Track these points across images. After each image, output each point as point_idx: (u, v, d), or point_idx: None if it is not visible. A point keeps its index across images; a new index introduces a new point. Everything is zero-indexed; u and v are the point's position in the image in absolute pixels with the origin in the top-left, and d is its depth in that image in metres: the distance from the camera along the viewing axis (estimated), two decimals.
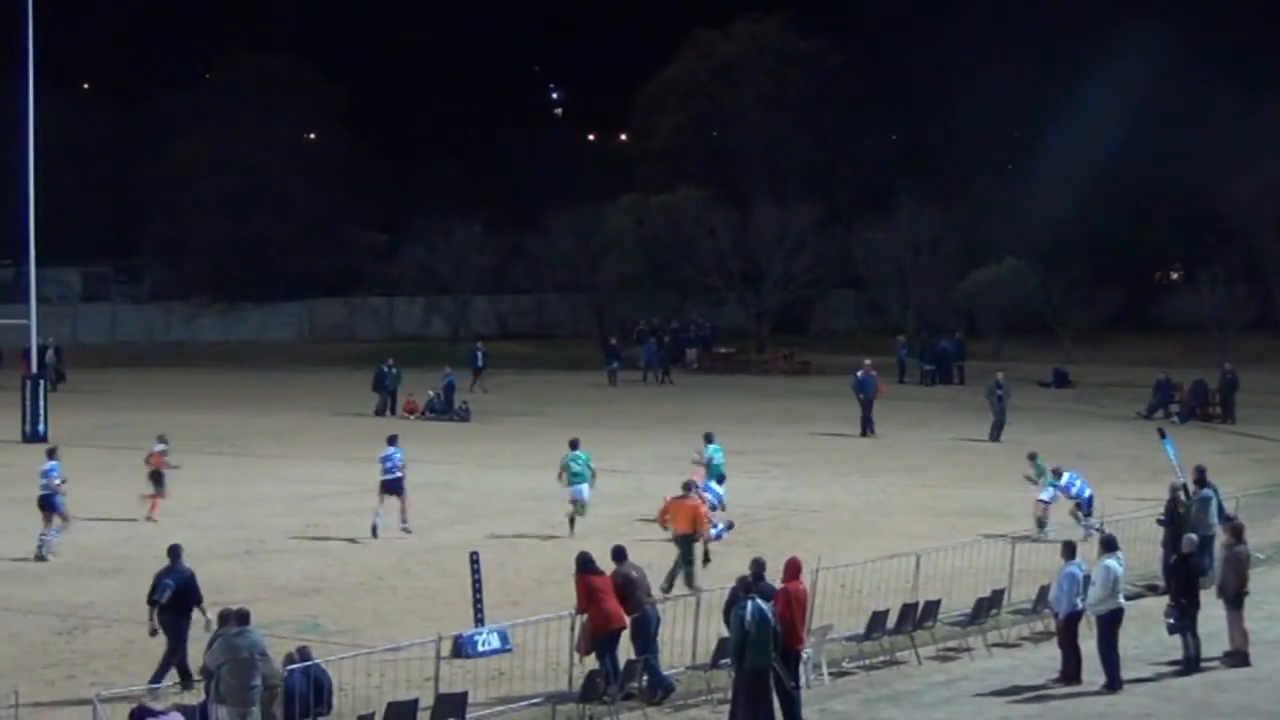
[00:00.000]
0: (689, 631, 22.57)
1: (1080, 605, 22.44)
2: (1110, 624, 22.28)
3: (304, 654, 19.66)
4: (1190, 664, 23.01)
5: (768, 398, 58.32)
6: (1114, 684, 22.10)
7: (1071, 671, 22.40)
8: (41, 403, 46.89)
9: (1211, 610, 23.73)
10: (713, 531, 29.11)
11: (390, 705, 18.99)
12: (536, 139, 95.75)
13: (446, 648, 21.96)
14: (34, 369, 48.65)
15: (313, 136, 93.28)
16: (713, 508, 30.31)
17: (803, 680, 21.35)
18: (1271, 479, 39.13)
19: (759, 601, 19.96)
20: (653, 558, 27.17)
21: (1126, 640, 22.84)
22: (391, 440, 33.06)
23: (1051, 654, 23.07)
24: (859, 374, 48.73)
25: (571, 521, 31.89)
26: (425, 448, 41.28)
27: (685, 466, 33.69)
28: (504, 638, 23.23)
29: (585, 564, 21.90)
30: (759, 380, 66.55)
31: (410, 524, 32.14)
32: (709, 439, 33.47)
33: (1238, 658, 23.28)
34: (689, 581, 26.70)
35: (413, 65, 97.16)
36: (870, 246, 78.14)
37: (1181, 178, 77.02)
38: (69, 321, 79.97)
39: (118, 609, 25.95)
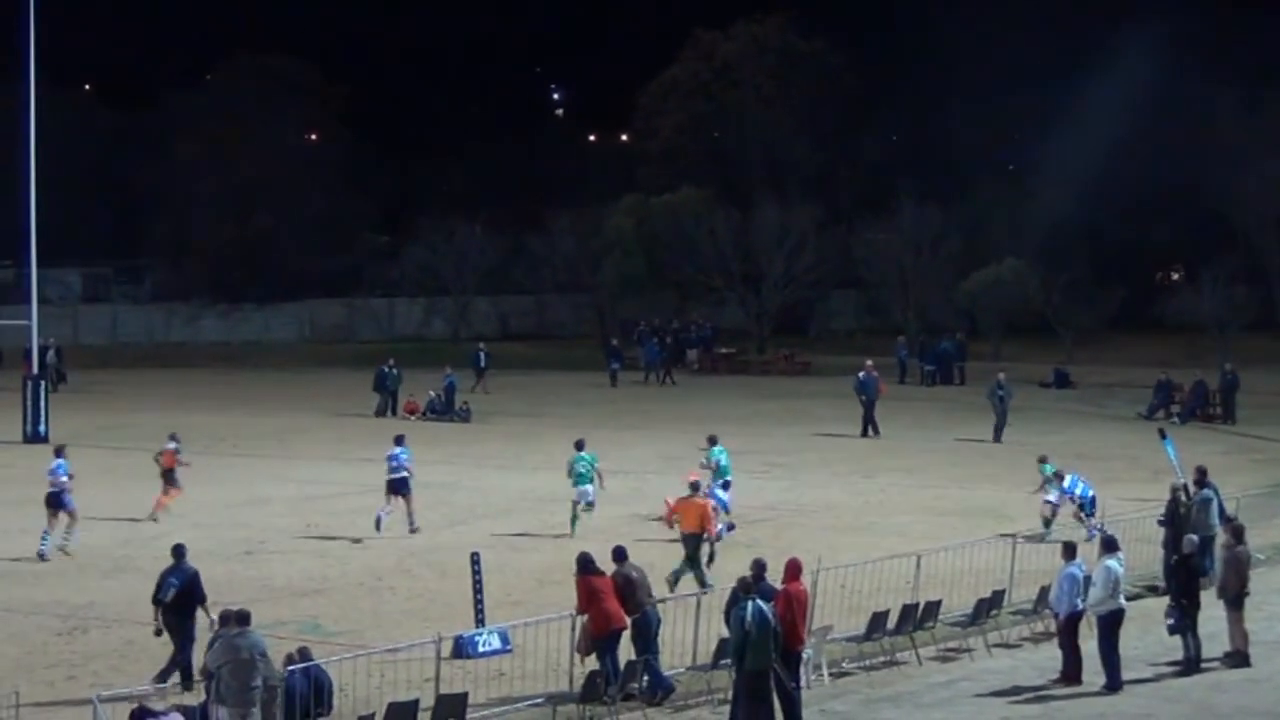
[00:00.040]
0: (689, 632, 22.57)
1: (1081, 606, 22.44)
2: (1111, 624, 22.29)
3: (304, 654, 19.66)
4: (1191, 665, 23.01)
5: (768, 398, 58.33)
6: (1114, 684, 22.10)
7: (1072, 672, 22.41)
8: (42, 403, 46.88)
9: (1212, 611, 23.73)
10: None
11: (391, 706, 18.99)
12: (537, 139, 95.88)
13: (447, 648, 21.96)
14: (35, 370, 48.63)
15: (314, 137, 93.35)
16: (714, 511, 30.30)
17: (803, 681, 21.35)
18: (1272, 480, 39.11)
19: (759, 602, 19.96)
20: (654, 558, 27.17)
21: (1127, 641, 22.84)
22: (398, 440, 33.10)
23: (1052, 654, 23.07)
24: (860, 375, 48.71)
25: (573, 522, 31.91)
26: (426, 448, 41.20)
27: (686, 467, 33.66)
28: (504, 638, 23.23)
29: (586, 565, 21.91)
30: (759, 381, 66.54)
31: (417, 524, 32.17)
32: (713, 441, 33.39)
33: (1238, 658, 23.28)
34: (700, 581, 26.69)
35: (413, 65, 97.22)
36: (871, 247, 78.12)
37: (1182, 178, 77.05)
38: (70, 322, 79.99)
39: (118, 609, 25.97)
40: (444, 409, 52.82)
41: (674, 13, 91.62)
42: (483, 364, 61.43)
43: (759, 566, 21.18)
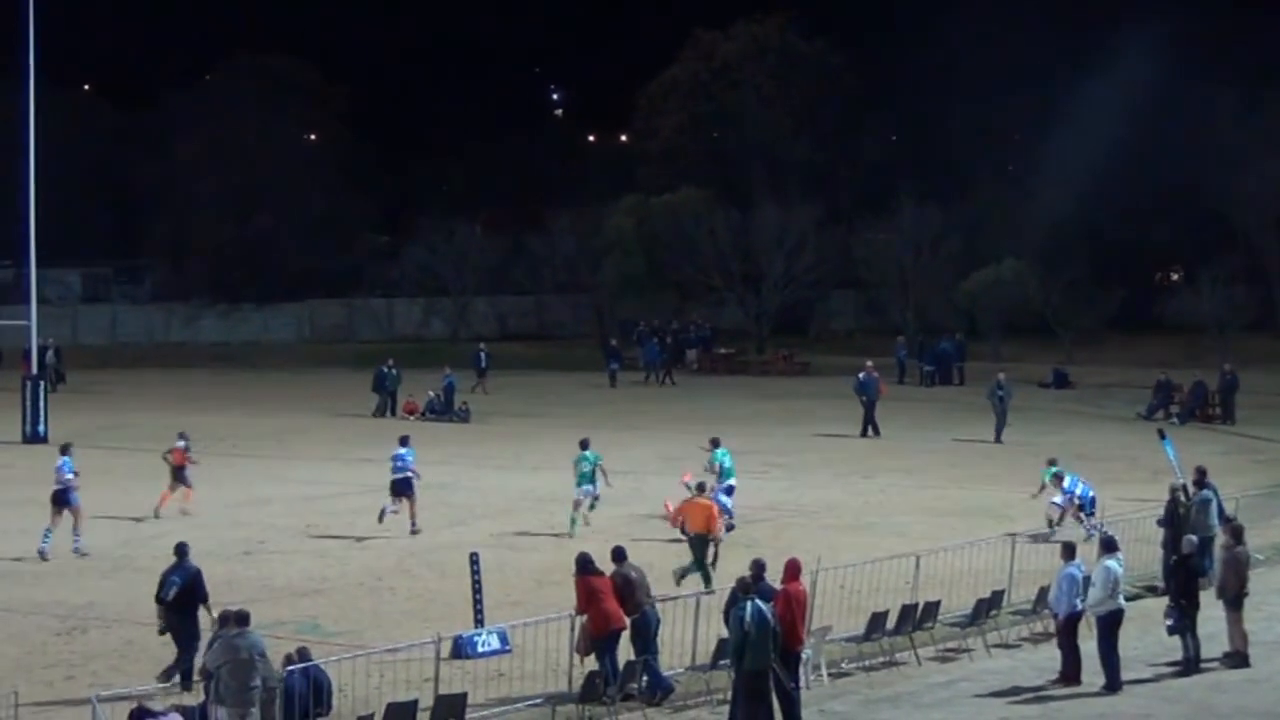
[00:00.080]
0: (689, 632, 22.58)
1: (1080, 606, 22.45)
2: (1110, 625, 22.29)
3: (303, 655, 19.66)
4: (1190, 665, 23.01)
5: (768, 398, 58.33)
6: (1113, 685, 22.10)
7: (1071, 672, 22.41)
8: (42, 404, 46.88)
9: (1211, 611, 23.73)
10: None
11: (390, 706, 18.99)
12: (537, 140, 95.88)
13: (446, 648, 21.97)
14: (34, 370, 48.62)
15: (313, 137, 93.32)
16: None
17: (802, 681, 21.35)
18: (1271, 480, 39.08)
19: (759, 602, 19.96)
20: (653, 558, 27.21)
21: (1126, 641, 22.84)
22: (403, 441, 33.14)
23: (1051, 655, 23.07)
24: (861, 375, 48.69)
25: (572, 522, 31.92)
26: (425, 449, 41.04)
27: (686, 467, 33.63)
28: (504, 638, 23.23)
29: (585, 565, 21.91)
30: (759, 381, 66.55)
31: (419, 526, 32.16)
32: (716, 444, 33.31)
33: (1237, 659, 23.28)
34: (706, 581, 26.70)
35: (413, 65, 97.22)
36: (871, 247, 78.12)
37: (1182, 178, 77.06)
38: (69, 322, 79.99)
39: (117, 609, 25.99)
40: (443, 409, 52.83)
41: (674, 13, 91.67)
42: (483, 364, 61.45)
43: (758, 566, 21.19)
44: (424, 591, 27.66)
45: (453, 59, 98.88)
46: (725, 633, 20.85)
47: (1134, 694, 22.06)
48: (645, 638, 21.77)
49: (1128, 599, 23.56)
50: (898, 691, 22.32)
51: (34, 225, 46.76)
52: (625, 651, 21.69)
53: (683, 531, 29.50)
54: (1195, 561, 24.15)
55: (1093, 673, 22.32)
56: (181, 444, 34.58)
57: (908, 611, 23.69)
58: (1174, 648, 23.31)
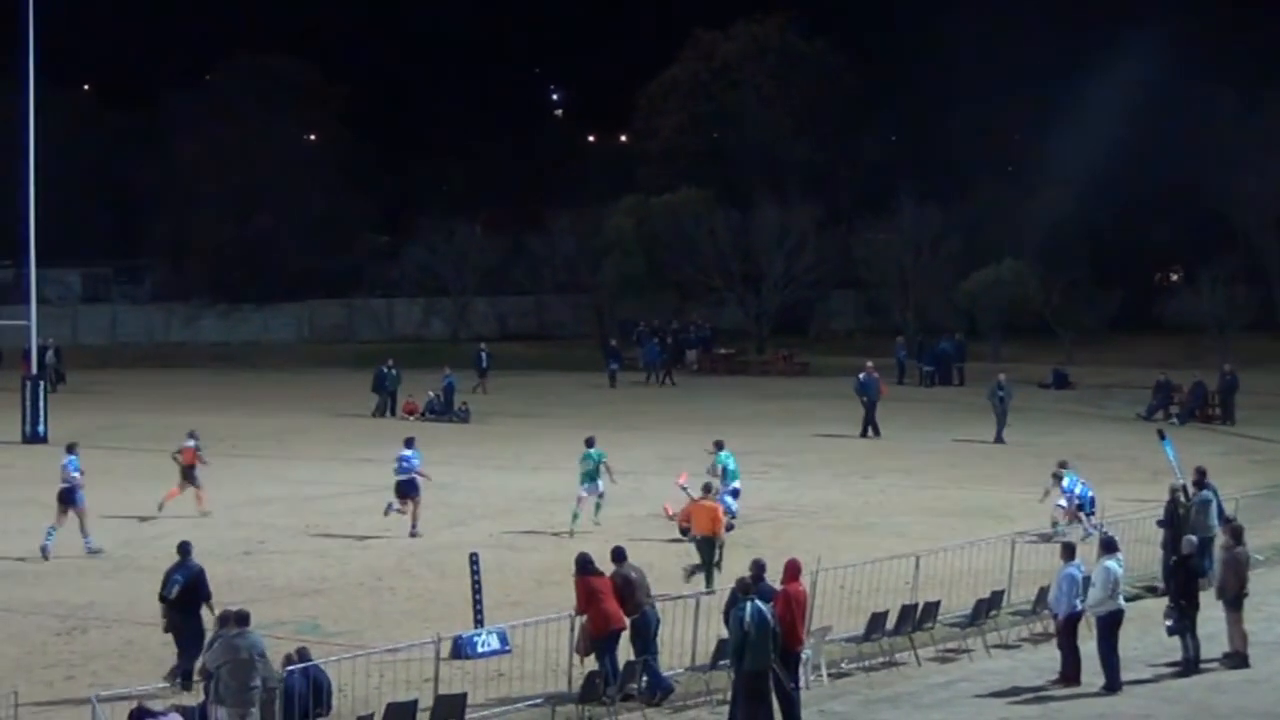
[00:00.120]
0: (688, 633, 22.58)
1: (1080, 606, 22.45)
2: (1110, 625, 22.29)
3: (303, 655, 19.67)
4: (1189, 665, 23.01)
5: (767, 399, 58.32)
6: (1113, 685, 22.11)
7: (1071, 673, 22.41)
8: (41, 404, 46.88)
9: (1211, 612, 23.74)
10: None
11: (390, 706, 19.00)
12: (537, 140, 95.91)
13: (446, 649, 21.97)
14: (34, 370, 48.63)
15: (313, 137, 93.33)
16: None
17: (802, 681, 21.36)
18: (1271, 480, 39.08)
19: (758, 603, 19.96)
20: (653, 558, 27.23)
21: (1126, 642, 22.85)
22: (409, 442, 33.11)
23: (1051, 655, 23.07)
24: (861, 376, 48.67)
25: (574, 517, 31.97)
26: (425, 449, 40.76)
27: (686, 467, 33.65)
28: (503, 639, 23.23)
29: (585, 565, 21.91)
30: (759, 381, 66.55)
31: (419, 530, 32.10)
32: (719, 446, 33.28)
33: (1237, 659, 23.29)
34: (708, 582, 26.72)
35: (413, 66, 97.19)
36: (871, 247, 78.11)
37: (1182, 178, 77.08)
38: (69, 322, 79.99)
39: (117, 609, 25.99)
40: (443, 409, 52.83)
41: (674, 13, 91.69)
42: (485, 364, 61.45)
43: (758, 567, 21.20)
44: (424, 591, 27.66)
45: (453, 59, 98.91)
46: (725, 633, 20.86)
47: (1134, 694, 22.06)
48: (645, 638, 21.77)
49: (1127, 599, 23.56)
50: (897, 692, 22.32)
51: (34, 225, 46.77)
52: (625, 652, 21.69)
53: (683, 532, 29.56)
54: (1195, 562, 24.15)
55: (1092, 673, 22.32)
56: (191, 443, 34.58)
57: (907, 612, 23.69)
58: (1174, 648, 23.31)
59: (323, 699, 19.30)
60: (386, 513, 32.28)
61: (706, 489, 28.86)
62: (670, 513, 30.45)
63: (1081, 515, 31.35)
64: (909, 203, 76.15)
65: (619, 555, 22.41)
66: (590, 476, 32.36)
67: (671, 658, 22.37)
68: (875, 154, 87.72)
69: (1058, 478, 31.93)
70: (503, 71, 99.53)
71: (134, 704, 19.40)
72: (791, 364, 70.48)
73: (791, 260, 75.67)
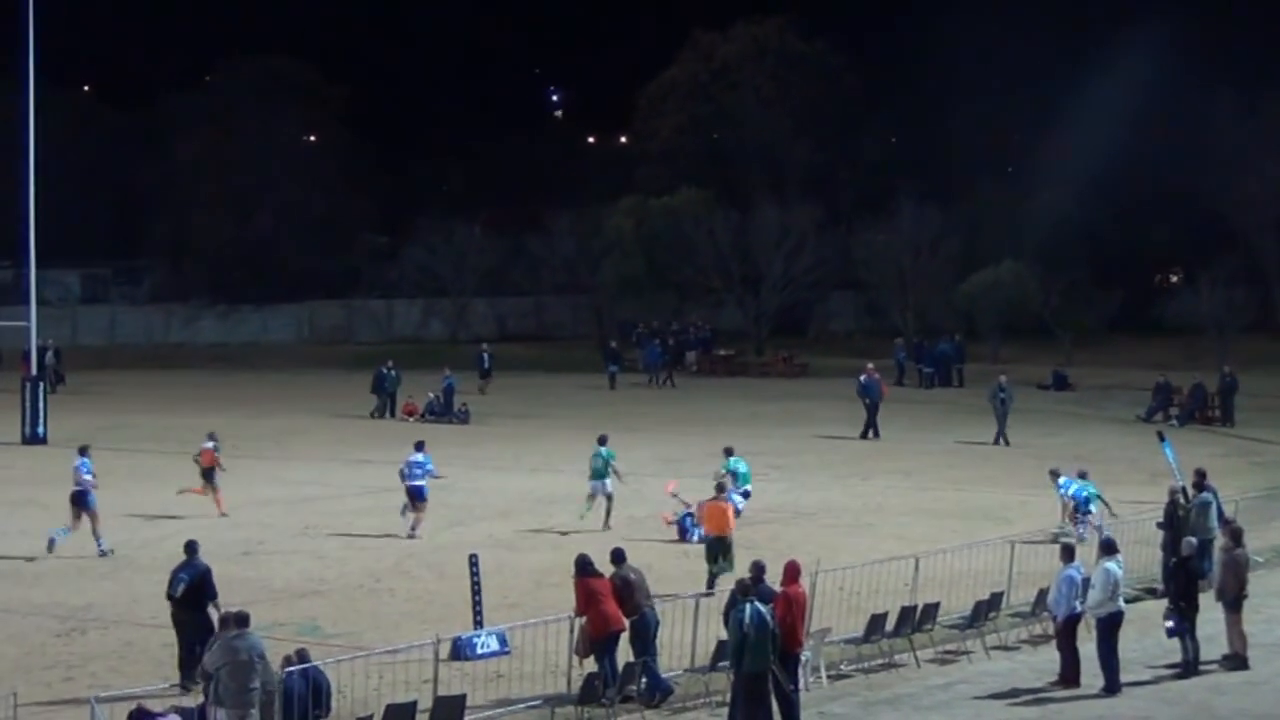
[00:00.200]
0: (688, 634, 22.57)
1: (1079, 608, 22.45)
2: (1109, 627, 22.29)
3: (302, 656, 19.65)
4: (1189, 667, 23.01)
5: (767, 400, 58.32)
6: (1113, 687, 22.10)
7: (1070, 674, 22.41)
8: (41, 405, 46.84)
9: (1210, 613, 23.74)
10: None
11: (389, 707, 18.99)
12: (537, 140, 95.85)
13: (445, 650, 21.96)
14: (33, 371, 48.60)
15: (313, 138, 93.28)
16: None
17: (801, 683, 21.35)
18: (1271, 482, 39.08)
19: (758, 604, 19.96)
20: (652, 560, 27.22)
21: (1125, 643, 22.84)
22: (419, 446, 33.02)
23: (1050, 657, 23.07)
24: (862, 378, 48.63)
25: (581, 517, 32.01)
26: None
27: (686, 469, 33.69)
28: (503, 640, 23.23)
29: (584, 566, 21.90)
30: (758, 382, 66.54)
31: (419, 534, 32.05)
32: (729, 453, 33.21)
33: (1236, 661, 23.29)
34: (709, 581, 26.70)
35: (413, 66, 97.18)
36: (870, 248, 78.05)
37: (1182, 178, 77.10)
38: (69, 323, 79.90)
39: (116, 610, 25.99)
40: (442, 410, 52.81)
41: (674, 13, 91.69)
42: (486, 365, 61.43)
43: (758, 569, 21.20)
44: (423, 593, 27.65)
45: (453, 59, 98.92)
46: (724, 635, 20.85)
47: (1133, 696, 22.06)
48: (644, 639, 21.77)
49: (1127, 601, 23.56)
50: (897, 693, 22.32)
51: (33, 226, 46.73)
52: (624, 653, 21.68)
53: (681, 535, 29.58)
54: (1194, 564, 24.14)
55: (1092, 675, 22.32)
56: (210, 445, 34.62)
57: (907, 613, 23.68)
58: (1173, 650, 23.30)
59: (322, 700, 19.29)
60: (403, 513, 32.26)
61: (720, 489, 28.86)
62: (668, 521, 30.42)
63: (1078, 516, 31.28)
64: (908, 203, 76.12)
65: (618, 557, 22.40)
66: (599, 474, 32.45)
67: (671, 659, 22.36)
68: (875, 154, 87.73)
69: (1055, 474, 31.87)
70: (503, 71, 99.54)
71: (133, 705, 19.41)
72: (791, 365, 70.45)
73: (791, 261, 75.65)
